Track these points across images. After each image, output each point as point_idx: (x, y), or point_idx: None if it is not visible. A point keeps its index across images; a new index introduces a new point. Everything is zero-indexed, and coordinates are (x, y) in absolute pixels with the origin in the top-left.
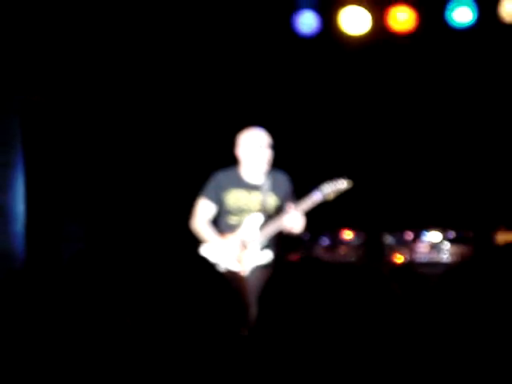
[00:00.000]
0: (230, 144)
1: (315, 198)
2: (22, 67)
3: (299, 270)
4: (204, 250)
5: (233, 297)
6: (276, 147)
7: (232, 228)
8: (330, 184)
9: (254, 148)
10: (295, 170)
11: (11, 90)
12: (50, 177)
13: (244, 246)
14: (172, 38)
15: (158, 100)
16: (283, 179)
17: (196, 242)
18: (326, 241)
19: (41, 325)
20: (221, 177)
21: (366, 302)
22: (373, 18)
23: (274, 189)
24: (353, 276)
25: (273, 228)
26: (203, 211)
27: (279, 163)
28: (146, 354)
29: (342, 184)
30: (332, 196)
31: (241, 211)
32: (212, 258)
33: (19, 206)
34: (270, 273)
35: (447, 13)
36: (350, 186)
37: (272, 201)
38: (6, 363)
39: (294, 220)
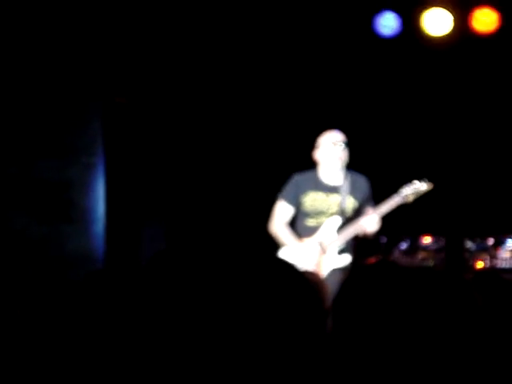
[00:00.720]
0: (310, 147)
1: (395, 200)
2: (102, 69)
3: (376, 273)
4: (282, 253)
5: (313, 299)
6: (357, 149)
7: (310, 230)
8: (410, 186)
9: (330, 147)
10: (376, 172)
11: (93, 92)
12: (130, 178)
13: (322, 249)
14: (251, 41)
15: (239, 102)
16: (362, 182)
17: (274, 244)
18: (404, 245)
19: (118, 325)
20: (299, 179)
21: (446, 309)
22: (455, 20)
23: (353, 191)
24: (432, 281)
25: (351, 231)
26: (281, 214)
27: (360, 166)
28: (225, 352)
29: (422, 186)
30: (412, 198)
31: (318, 214)
32: (290, 261)
33: (100, 207)
34: (347, 276)
35: None
36: (431, 188)
37: (350, 203)
38: (86, 362)
39: (371, 223)
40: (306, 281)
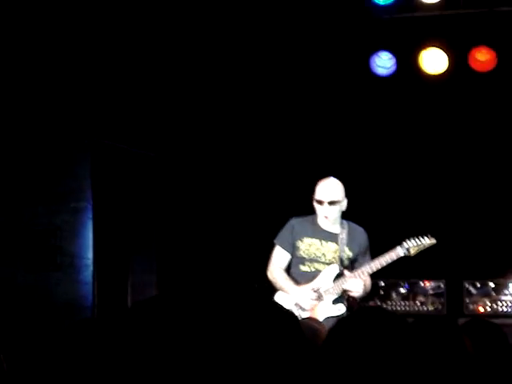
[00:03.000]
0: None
1: (396, 253)
2: (90, 113)
3: (365, 319)
4: (278, 297)
5: (307, 346)
6: (355, 200)
7: (304, 276)
8: (414, 240)
9: (316, 204)
10: (376, 224)
11: (80, 137)
12: (119, 223)
13: (319, 296)
14: (249, 85)
15: (235, 145)
16: (360, 234)
17: (271, 287)
18: (403, 289)
19: (106, 373)
20: (295, 224)
21: (433, 357)
22: (451, 59)
23: (350, 242)
24: (421, 328)
25: (338, 288)
26: (278, 259)
27: (359, 217)
28: None
29: (426, 241)
30: (414, 252)
31: (313, 260)
32: (285, 307)
33: (89, 253)
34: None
35: None
36: (433, 243)
37: (346, 254)
38: None
39: (355, 287)
40: (300, 327)
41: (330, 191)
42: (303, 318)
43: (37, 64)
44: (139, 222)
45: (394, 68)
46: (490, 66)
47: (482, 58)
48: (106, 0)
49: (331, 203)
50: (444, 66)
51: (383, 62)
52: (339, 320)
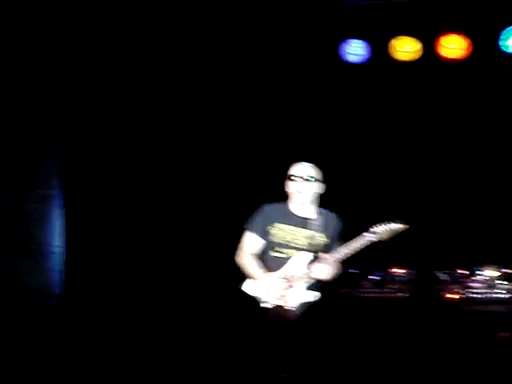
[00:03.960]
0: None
1: (368, 238)
2: (59, 99)
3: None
4: (248, 285)
5: (275, 337)
6: (329, 187)
7: (276, 262)
8: (385, 225)
9: (290, 181)
10: (347, 208)
11: (49, 123)
12: (89, 210)
13: (290, 283)
14: (218, 72)
15: (205, 131)
16: (334, 219)
17: (240, 276)
18: (375, 276)
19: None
20: (267, 209)
21: (404, 338)
22: (422, 46)
23: (325, 228)
24: (392, 312)
25: (313, 271)
26: (249, 245)
27: (332, 203)
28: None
29: (397, 226)
30: (386, 237)
31: (285, 245)
32: (256, 294)
33: (57, 240)
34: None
35: (500, 41)
36: (405, 228)
37: (321, 239)
38: None
39: (322, 271)
40: (269, 318)
41: (305, 169)
42: (273, 306)
43: (7, 52)
44: (108, 208)
45: (365, 55)
46: (461, 53)
47: (453, 44)
48: None
49: (306, 179)
50: (414, 53)
51: (354, 49)
52: (309, 306)
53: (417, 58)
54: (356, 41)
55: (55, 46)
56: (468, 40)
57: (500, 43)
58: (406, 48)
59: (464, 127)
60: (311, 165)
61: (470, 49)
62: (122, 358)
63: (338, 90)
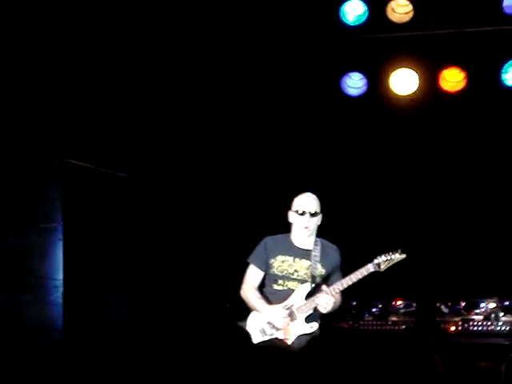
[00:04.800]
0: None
1: (367, 268)
2: (60, 132)
3: (338, 338)
4: (251, 318)
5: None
6: (328, 217)
7: (277, 295)
8: (384, 256)
9: (295, 215)
10: (348, 240)
11: (51, 156)
12: (90, 244)
13: (291, 315)
14: (220, 105)
15: (208, 165)
16: (333, 251)
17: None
18: (375, 309)
19: None
20: (269, 242)
21: (403, 374)
22: (422, 79)
23: (323, 259)
24: (393, 347)
25: (311, 304)
26: (251, 278)
27: (331, 234)
28: None
29: (396, 256)
30: (384, 268)
31: (286, 278)
32: (260, 326)
33: (58, 274)
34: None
35: (500, 74)
36: (403, 258)
37: (319, 271)
38: None
39: (325, 302)
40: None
41: (310, 203)
42: (272, 339)
43: (6, 84)
44: (110, 242)
45: (364, 88)
46: (460, 87)
47: (452, 78)
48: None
49: (312, 215)
50: (414, 86)
51: (354, 83)
52: (310, 340)
53: (415, 91)
54: (356, 74)
55: (60, 77)
56: (467, 74)
57: (501, 77)
58: (405, 81)
59: (463, 160)
60: (314, 196)
61: (469, 82)
62: None
63: (339, 123)
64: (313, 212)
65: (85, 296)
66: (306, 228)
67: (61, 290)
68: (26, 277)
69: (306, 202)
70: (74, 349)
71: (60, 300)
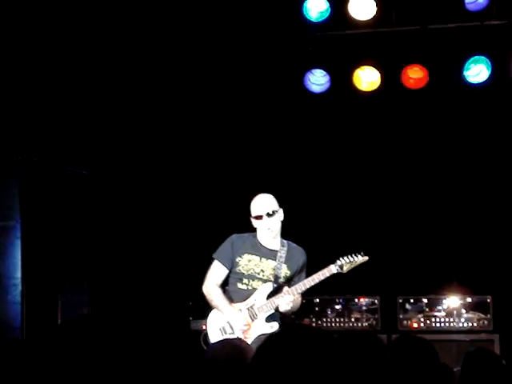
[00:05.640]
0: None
1: (329, 270)
2: (20, 128)
3: (291, 337)
4: (212, 316)
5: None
6: (290, 218)
7: (241, 294)
8: (347, 257)
9: (255, 220)
10: (312, 239)
11: (10, 152)
12: (48, 242)
13: (252, 315)
14: (179, 100)
15: (170, 161)
16: (299, 253)
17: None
18: (339, 305)
19: None
20: (236, 240)
21: (358, 373)
22: (383, 76)
23: (288, 260)
24: (347, 345)
25: (271, 305)
26: (215, 275)
27: (295, 234)
28: None
29: (359, 259)
30: (346, 270)
31: (251, 277)
32: (220, 325)
33: (17, 272)
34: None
35: (462, 71)
36: (366, 260)
37: (284, 272)
38: None
39: (285, 303)
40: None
41: (264, 204)
42: (232, 338)
43: None
44: (69, 240)
45: (327, 85)
46: (422, 84)
47: (415, 75)
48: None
49: (269, 215)
50: (377, 83)
51: (317, 79)
52: (267, 338)
53: (378, 88)
54: (319, 70)
55: (20, 72)
56: (429, 70)
57: (463, 73)
58: (367, 78)
59: (424, 156)
60: (267, 196)
61: (431, 79)
62: None
63: (301, 120)
64: (270, 212)
65: (44, 294)
66: (268, 229)
67: (19, 288)
68: None
69: (261, 205)
70: (32, 348)
71: (18, 298)
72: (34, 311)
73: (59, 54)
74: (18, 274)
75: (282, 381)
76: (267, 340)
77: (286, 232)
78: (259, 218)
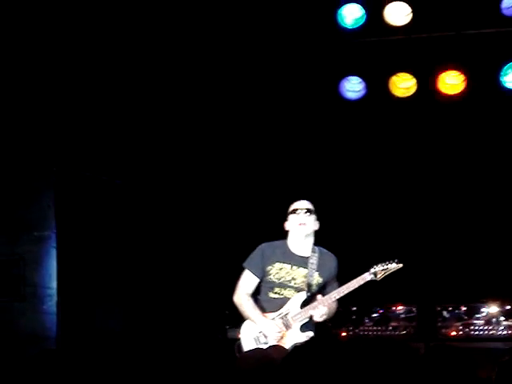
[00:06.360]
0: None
1: (363, 277)
2: (55, 139)
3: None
4: (246, 326)
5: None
6: (326, 225)
7: (272, 303)
8: (381, 265)
9: (291, 215)
10: (345, 247)
11: (44, 163)
12: (84, 252)
13: (286, 324)
14: (216, 109)
15: (204, 171)
16: (331, 260)
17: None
18: (376, 313)
19: None
20: (266, 248)
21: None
22: (421, 82)
23: (320, 268)
24: (382, 354)
25: (305, 314)
26: (246, 284)
27: (328, 242)
28: None
29: (393, 266)
30: (380, 277)
31: (282, 285)
32: (254, 336)
33: (52, 282)
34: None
35: (499, 76)
36: (400, 267)
37: (315, 279)
38: None
39: (318, 314)
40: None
41: (305, 202)
42: (265, 348)
43: (3, 91)
44: (105, 250)
45: (363, 92)
46: (460, 89)
47: (451, 80)
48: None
49: (307, 211)
50: (412, 89)
51: (353, 86)
52: (292, 349)
53: (413, 94)
54: (354, 77)
55: (57, 84)
56: (466, 76)
57: (500, 79)
58: (403, 84)
59: (462, 163)
60: (308, 201)
61: (468, 85)
62: None
63: (337, 127)
64: (308, 209)
65: (79, 305)
66: (302, 225)
67: (55, 298)
68: (19, 285)
69: (301, 203)
70: (67, 358)
71: (54, 309)
72: (69, 321)
73: (92, 64)
74: (54, 284)
75: None
76: (292, 352)
77: (321, 239)
78: (296, 212)
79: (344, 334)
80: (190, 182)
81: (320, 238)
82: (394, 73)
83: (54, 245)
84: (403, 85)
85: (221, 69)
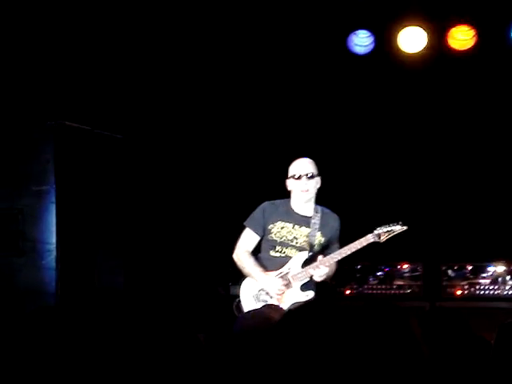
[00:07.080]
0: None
1: (366, 239)
2: (55, 92)
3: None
4: (246, 284)
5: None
6: (329, 185)
7: (273, 261)
8: (384, 227)
9: (293, 180)
10: (349, 208)
11: (43, 117)
12: (83, 207)
13: (287, 283)
14: (218, 65)
15: (206, 127)
16: (333, 220)
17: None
18: (381, 272)
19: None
20: (268, 207)
21: (380, 345)
22: (430, 37)
23: (323, 227)
24: (370, 316)
25: (306, 273)
26: (248, 242)
27: (331, 202)
28: None
29: (397, 228)
30: (384, 239)
31: (284, 244)
32: (254, 293)
33: (51, 238)
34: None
35: (510, 32)
36: (405, 229)
37: (318, 239)
38: None
39: (318, 273)
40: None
41: (306, 166)
42: (263, 308)
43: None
44: (105, 205)
45: (372, 46)
46: (469, 45)
47: (461, 35)
48: None
49: (309, 177)
50: (422, 44)
51: (361, 40)
52: (287, 312)
53: (425, 49)
54: (363, 31)
55: (55, 36)
56: (476, 31)
57: (510, 34)
58: (413, 38)
59: (470, 121)
60: (309, 160)
61: (478, 40)
62: (118, 359)
63: (345, 81)
64: (310, 174)
65: (79, 260)
66: (305, 191)
67: (54, 253)
68: (17, 240)
69: (302, 166)
70: (66, 314)
71: (53, 264)
72: (68, 277)
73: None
74: (53, 240)
75: (300, 352)
76: (288, 314)
77: (324, 198)
78: (298, 178)
79: (348, 292)
80: (192, 137)
81: (323, 198)
82: (404, 27)
83: (53, 200)
84: (413, 39)
85: (224, 25)
